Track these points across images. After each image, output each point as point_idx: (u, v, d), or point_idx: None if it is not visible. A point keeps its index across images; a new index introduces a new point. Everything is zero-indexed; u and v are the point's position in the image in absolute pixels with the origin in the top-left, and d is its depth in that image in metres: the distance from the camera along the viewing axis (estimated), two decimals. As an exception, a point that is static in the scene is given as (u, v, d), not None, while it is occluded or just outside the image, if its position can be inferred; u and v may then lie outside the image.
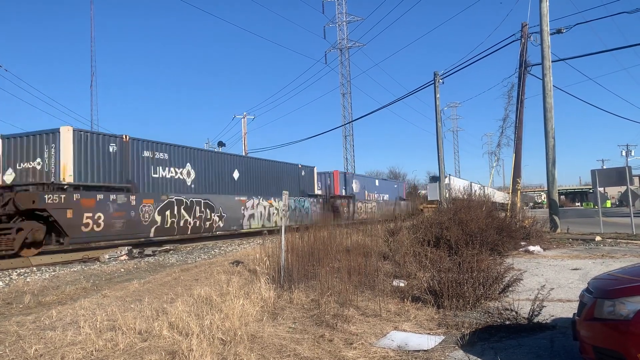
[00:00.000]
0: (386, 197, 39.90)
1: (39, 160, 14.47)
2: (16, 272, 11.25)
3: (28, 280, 10.00)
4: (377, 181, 39.82)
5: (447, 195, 43.19)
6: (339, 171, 32.78)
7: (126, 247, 14.71)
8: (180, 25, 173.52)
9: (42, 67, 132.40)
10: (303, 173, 27.67)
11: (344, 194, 32.27)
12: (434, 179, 45.72)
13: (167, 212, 17.09)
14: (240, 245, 17.41)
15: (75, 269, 11.60)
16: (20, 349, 4.85)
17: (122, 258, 13.77)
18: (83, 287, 9.00)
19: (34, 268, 11.90)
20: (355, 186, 34.32)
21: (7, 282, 9.84)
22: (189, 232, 18.24)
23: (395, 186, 44.48)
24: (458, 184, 44.24)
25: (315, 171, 29.48)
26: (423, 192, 50.24)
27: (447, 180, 44.84)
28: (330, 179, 32.12)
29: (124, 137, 16.09)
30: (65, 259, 13.82)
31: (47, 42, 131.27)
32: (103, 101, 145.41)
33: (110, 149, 15.57)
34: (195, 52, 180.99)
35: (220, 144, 39.34)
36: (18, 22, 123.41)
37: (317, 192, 29.38)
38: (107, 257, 13.66)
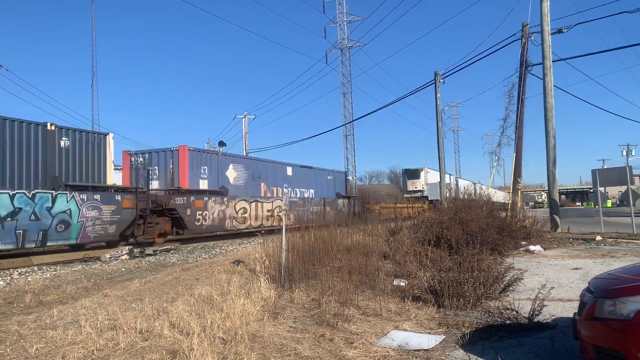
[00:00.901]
0: (310, 193, 27.54)
1: None
2: (17, 271, 11.27)
3: (29, 279, 10.02)
4: (289, 169, 25.81)
5: (422, 186, 40.64)
6: (188, 147, 18.82)
7: (127, 247, 14.75)
8: (181, 24, 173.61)
9: (43, 65, 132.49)
10: (65, 144, 14.19)
11: (205, 187, 19.52)
12: (407, 172, 43.28)
13: None
14: (241, 244, 17.43)
15: (76, 268, 11.62)
16: (22, 348, 4.86)
17: (123, 257, 13.79)
18: (84, 286, 9.01)
19: (35, 267, 11.92)
20: (233, 175, 21.24)
21: (8, 281, 9.85)
22: None
23: (329, 178, 30.39)
24: (436, 180, 42.09)
25: (111, 142, 15.73)
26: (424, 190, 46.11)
27: (423, 175, 41.57)
28: (173, 160, 18.75)
29: None
30: (67, 258, 13.84)
31: (47, 41, 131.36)
32: (104, 100, 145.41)
33: None
34: (196, 52, 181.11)
35: (221, 143, 39.29)
36: (18, 20, 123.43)
37: (154, 184, 18.21)
38: (108, 256, 13.68)
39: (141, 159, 19.23)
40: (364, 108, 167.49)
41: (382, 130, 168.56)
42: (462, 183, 42.03)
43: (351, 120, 50.64)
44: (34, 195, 13.11)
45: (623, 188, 20.62)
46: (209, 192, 19.59)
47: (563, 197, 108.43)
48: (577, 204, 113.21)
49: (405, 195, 42.90)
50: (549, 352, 4.48)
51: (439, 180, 30.41)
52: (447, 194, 28.05)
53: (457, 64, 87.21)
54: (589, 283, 4.10)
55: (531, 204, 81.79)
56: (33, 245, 13.36)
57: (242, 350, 4.48)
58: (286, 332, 5.26)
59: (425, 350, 4.66)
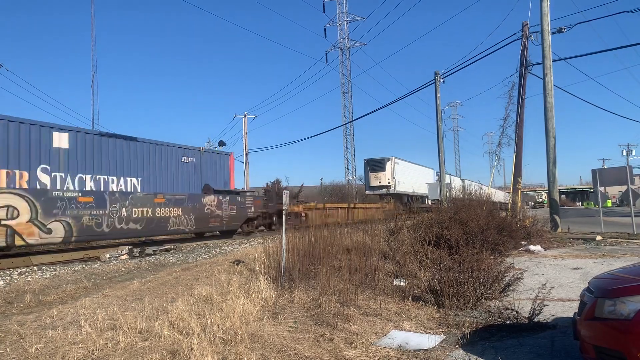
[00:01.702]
0: (129, 184, 17.03)
1: None
2: (17, 271, 11.27)
3: (29, 279, 10.01)
4: (60, 137, 14.74)
5: (388, 181, 36.78)
6: None
7: (127, 247, 14.75)
8: (181, 24, 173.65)
9: (43, 66, 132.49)
10: None
11: None
12: (370, 163, 38.20)
13: None
14: (241, 244, 17.43)
15: (76, 268, 11.61)
16: (21, 348, 4.85)
17: (123, 257, 13.79)
18: (84, 286, 9.01)
19: (35, 267, 11.92)
20: None
21: (7, 281, 9.85)
22: None
23: (186, 160, 19.38)
24: (408, 173, 38.48)
25: None
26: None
27: (389, 167, 36.59)
28: None
29: None
30: (66, 258, 13.85)
31: (48, 40, 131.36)
32: (104, 100, 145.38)
33: None
34: (196, 52, 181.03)
35: (222, 143, 39.23)
36: (18, 20, 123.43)
37: None
38: (108, 256, 13.68)
39: None
40: (364, 107, 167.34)
41: (383, 129, 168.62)
42: (455, 182, 39.83)
43: (351, 120, 50.71)
44: None
45: (623, 188, 20.62)
46: None
47: (563, 196, 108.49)
48: (578, 203, 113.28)
49: (367, 192, 35.64)
50: (549, 352, 4.48)
51: (438, 179, 30.03)
52: (448, 194, 27.95)
53: (457, 64, 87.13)
54: (589, 283, 4.10)
55: (531, 203, 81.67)
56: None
57: (242, 350, 4.47)
58: (286, 332, 5.26)
59: (425, 350, 4.65)
